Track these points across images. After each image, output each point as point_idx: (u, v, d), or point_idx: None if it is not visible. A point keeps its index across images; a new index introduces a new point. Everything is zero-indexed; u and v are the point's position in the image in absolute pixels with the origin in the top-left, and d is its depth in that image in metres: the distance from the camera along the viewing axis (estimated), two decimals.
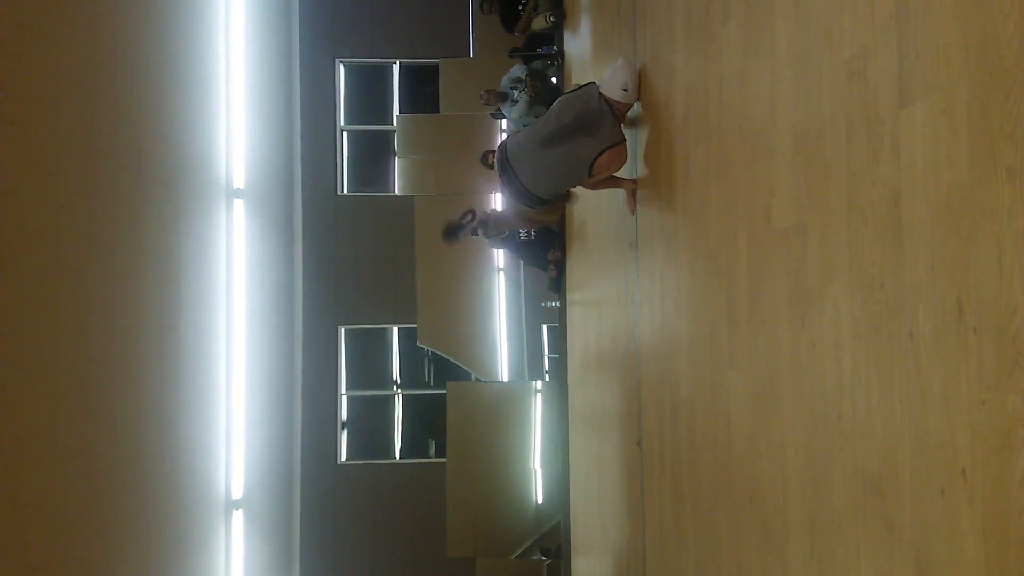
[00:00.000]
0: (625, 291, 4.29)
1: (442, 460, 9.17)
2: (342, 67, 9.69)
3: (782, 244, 1.91)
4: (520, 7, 8.59)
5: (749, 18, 2.17)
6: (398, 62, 9.80)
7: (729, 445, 2.30)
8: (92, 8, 4.75)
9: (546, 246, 7.88)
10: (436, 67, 9.53)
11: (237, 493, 7.08)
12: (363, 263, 9.55)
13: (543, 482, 9.17)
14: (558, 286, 8.04)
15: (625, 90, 3.64)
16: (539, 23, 8.49)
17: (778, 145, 1.95)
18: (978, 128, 1.15)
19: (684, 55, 2.91)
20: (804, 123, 1.79)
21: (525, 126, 7.96)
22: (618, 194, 4.27)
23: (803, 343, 1.77)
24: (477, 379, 9.41)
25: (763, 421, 2.02)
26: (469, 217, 5.65)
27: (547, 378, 9.51)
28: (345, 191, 9.67)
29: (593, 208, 5.84)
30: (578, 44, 7.24)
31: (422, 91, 9.99)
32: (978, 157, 1.15)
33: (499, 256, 9.33)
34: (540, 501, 9.15)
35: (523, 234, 7.77)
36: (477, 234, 7.55)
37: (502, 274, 9.50)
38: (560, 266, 7.90)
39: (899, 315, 1.37)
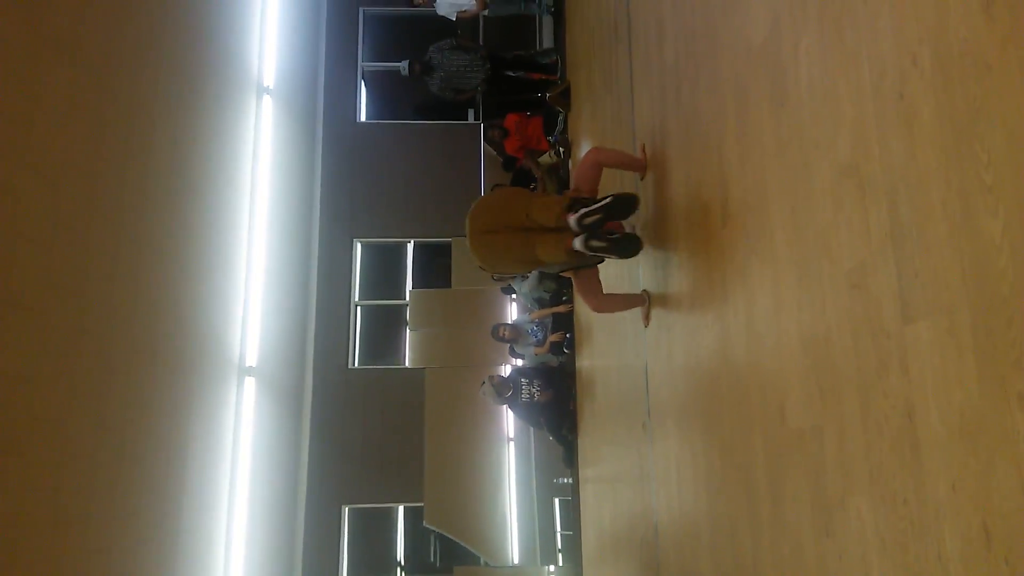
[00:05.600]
0: (640, 472, 4.18)
1: None
2: (359, 246, 10.06)
3: (798, 446, 1.88)
4: (531, 188, 9.06)
5: (747, 222, 2.26)
6: (412, 241, 10.18)
7: None
8: (119, 199, 5.00)
9: (553, 418, 7.72)
10: (449, 243, 9.89)
11: None
12: (370, 438, 9.40)
13: None
14: (571, 461, 7.83)
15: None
16: None
17: (785, 345, 1.97)
18: (984, 352, 1.16)
19: (687, 251, 3.02)
20: (810, 327, 1.82)
21: (535, 299, 8.19)
22: (625, 374, 4.28)
23: (830, 553, 1.70)
24: (486, 563, 8.96)
25: None
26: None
27: (560, 560, 9.04)
28: (356, 364, 9.72)
29: (602, 382, 5.82)
30: None
31: (435, 262, 10.31)
32: (987, 381, 1.16)
33: (509, 424, 9.20)
34: None
35: (524, 396, 7.66)
36: (484, 384, 7.46)
37: (512, 444, 9.33)
38: (570, 445, 7.74)
39: (925, 535, 1.32)
